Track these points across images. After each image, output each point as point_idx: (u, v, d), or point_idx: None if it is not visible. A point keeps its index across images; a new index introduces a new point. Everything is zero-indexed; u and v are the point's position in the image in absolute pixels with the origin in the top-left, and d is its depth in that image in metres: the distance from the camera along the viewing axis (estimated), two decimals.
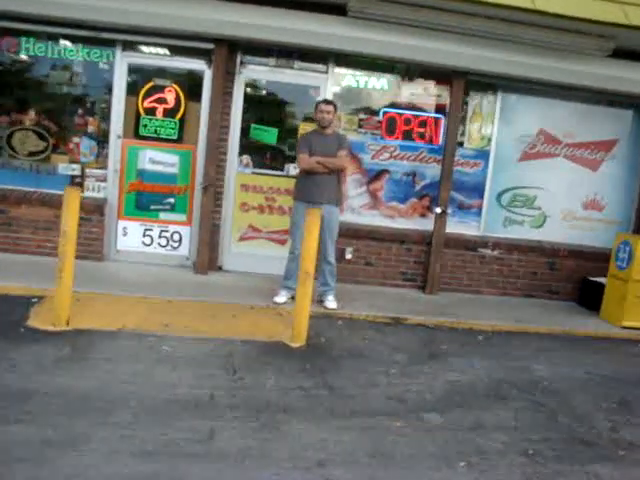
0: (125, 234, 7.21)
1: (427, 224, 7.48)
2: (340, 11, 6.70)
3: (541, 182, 7.74)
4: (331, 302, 6.35)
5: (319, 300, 6.41)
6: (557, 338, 6.46)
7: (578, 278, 7.70)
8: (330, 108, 6.20)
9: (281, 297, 6.30)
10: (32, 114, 7.11)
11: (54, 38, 7.02)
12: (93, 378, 4.37)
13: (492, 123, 7.56)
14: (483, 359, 5.55)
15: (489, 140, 7.58)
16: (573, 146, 7.75)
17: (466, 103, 7.51)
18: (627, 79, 7.15)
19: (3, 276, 6.22)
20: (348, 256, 7.33)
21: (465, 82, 7.27)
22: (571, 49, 6.83)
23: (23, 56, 7.07)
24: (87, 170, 7.16)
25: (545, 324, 6.71)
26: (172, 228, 7.26)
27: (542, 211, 7.81)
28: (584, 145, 7.77)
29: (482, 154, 7.60)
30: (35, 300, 5.76)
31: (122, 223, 7.22)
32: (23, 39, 6.99)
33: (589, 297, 7.47)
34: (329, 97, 7.15)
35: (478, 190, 7.63)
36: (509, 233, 7.76)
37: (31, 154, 7.12)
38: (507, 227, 7.78)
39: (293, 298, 6.36)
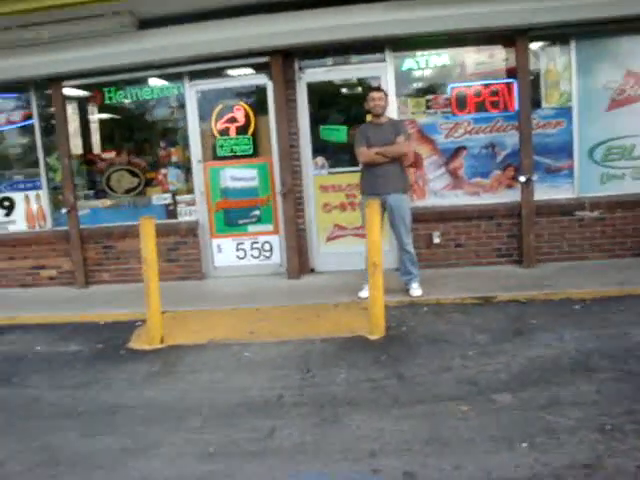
0: (220, 251, 7.62)
1: (515, 195, 7.12)
2: None
3: (638, 129, 7.06)
4: (415, 290, 6.27)
5: (405, 289, 6.37)
6: None
7: None
8: (381, 95, 6.13)
9: (365, 292, 6.27)
10: (123, 155, 7.78)
11: (131, 83, 7.63)
12: (175, 390, 4.68)
13: (569, 77, 7.04)
14: (575, 330, 5.19)
15: (569, 95, 7.06)
16: None
17: (537, 61, 7.07)
18: None
19: (114, 304, 6.84)
20: (436, 240, 7.18)
21: (529, 39, 6.87)
22: None
23: (108, 105, 7.76)
24: (177, 197, 7.68)
25: None
26: (262, 239, 7.56)
27: None
28: None
29: (564, 111, 7.10)
30: (139, 324, 6.26)
31: (215, 241, 7.64)
32: (105, 90, 7.69)
33: None
34: (391, 84, 7.10)
35: (566, 150, 7.13)
36: (609, 190, 7.15)
37: (127, 191, 7.78)
38: (606, 184, 7.17)
39: None
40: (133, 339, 5.89)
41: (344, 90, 7.38)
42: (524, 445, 3.47)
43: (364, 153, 6.09)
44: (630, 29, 6.97)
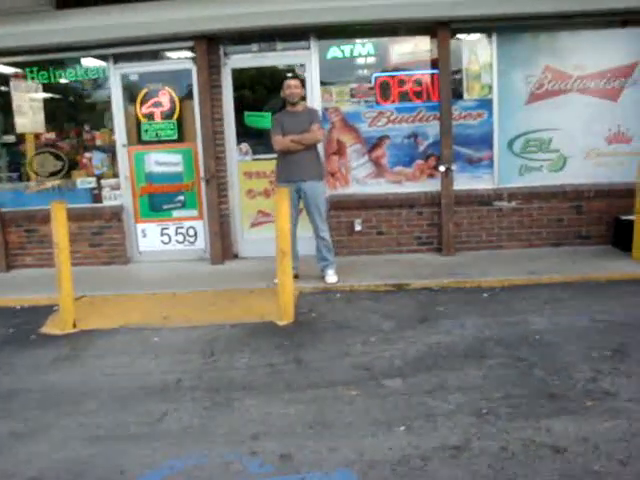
0: (145, 236, 7.58)
1: (437, 184, 7.23)
2: None
3: (555, 122, 7.25)
4: (331, 276, 6.35)
5: (322, 276, 6.45)
6: (573, 286, 6.06)
7: (610, 219, 7.17)
8: (297, 83, 6.18)
9: None
10: (47, 137, 7.65)
11: (54, 64, 7.48)
12: (78, 374, 4.67)
13: (490, 69, 7.17)
14: (479, 317, 5.32)
15: (490, 88, 7.20)
16: (586, 78, 7.19)
17: (460, 53, 7.19)
18: None
19: (34, 289, 6.76)
20: (358, 228, 7.27)
21: (451, 32, 6.98)
22: None
23: (31, 85, 7.61)
24: (102, 181, 7.60)
25: (564, 273, 6.31)
26: (186, 224, 7.54)
27: (561, 153, 7.31)
28: (598, 75, 7.19)
29: (485, 103, 7.24)
30: (56, 309, 6.18)
31: (140, 226, 7.60)
32: (27, 70, 7.54)
33: (622, 238, 6.91)
34: (315, 72, 7.16)
35: (486, 141, 7.28)
36: (526, 181, 7.34)
37: (51, 174, 7.65)
38: (524, 175, 7.35)
39: (297, 277, 6.48)
40: (47, 324, 5.84)
41: (269, 76, 7.36)
42: (402, 428, 3.58)
43: (278, 141, 6.13)
44: (549, 26, 7.13)
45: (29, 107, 7.66)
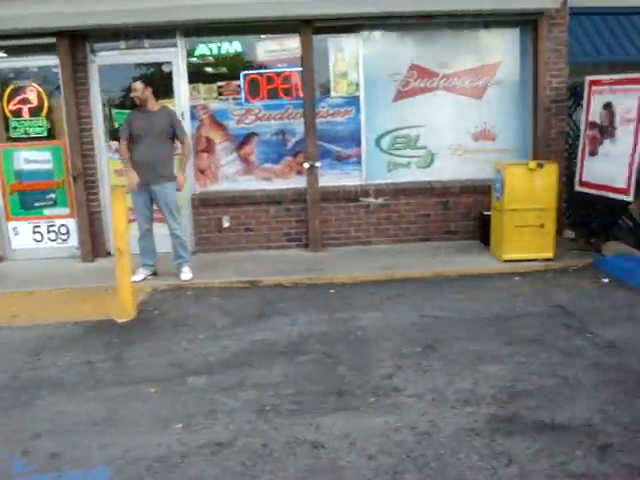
0: (17, 234, 7.49)
1: (305, 181, 7.30)
2: None
3: (422, 120, 7.40)
4: (186, 274, 6.39)
5: (178, 273, 6.50)
6: (424, 281, 6.22)
7: (476, 214, 7.33)
8: (136, 86, 6.17)
9: (138, 275, 6.35)
10: None
11: None
12: None
13: (357, 67, 7.26)
14: (315, 314, 5.43)
15: (357, 85, 7.30)
16: (451, 76, 7.36)
17: (327, 50, 7.27)
18: None
19: None
20: (226, 224, 7.30)
21: (315, 29, 7.04)
22: None
23: None
24: None
25: (420, 268, 6.47)
26: (58, 222, 7.48)
27: (428, 150, 7.47)
28: (463, 73, 7.36)
29: (352, 100, 7.34)
30: None
31: (11, 224, 7.49)
32: None
33: (486, 233, 7.08)
34: (183, 70, 7.18)
35: (354, 138, 7.38)
36: (395, 178, 7.46)
37: None
38: (392, 172, 7.48)
39: (155, 274, 6.52)
40: None
41: (137, 74, 7.26)
42: (179, 425, 3.64)
43: (119, 148, 6.28)
44: (414, 25, 7.24)
45: None
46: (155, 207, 6.38)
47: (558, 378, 4.00)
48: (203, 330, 5.18)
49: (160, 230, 6.61)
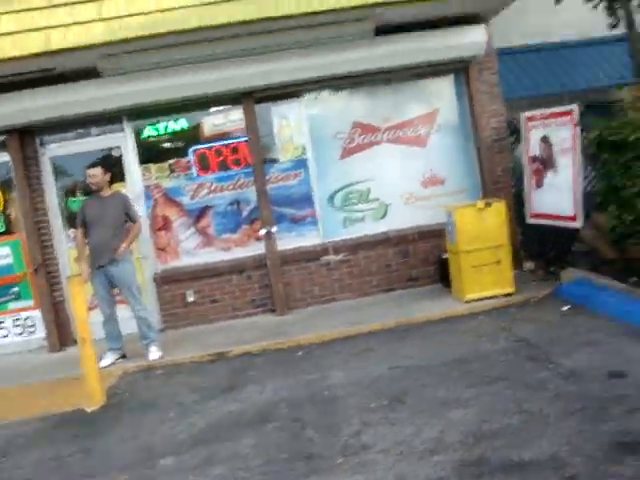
0: None
1: (264, 247, 7.41)
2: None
3: (371, 173, 7.61)
4: (154, 353, 6.38)
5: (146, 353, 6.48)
6: (389, 332, 6.26)
7: (435, 259, 7.47)
8: (95, 172, 6.30)
9: (106, 360, 6.34)
10: None
11: None
12: None
13: (301, 130, 7.50)
14: (284, 378, 5.42)
15: (304, 147, 7.52)
16: (394, 128, 7.61)
17: (271, 118, 7.51)
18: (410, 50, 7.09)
19: None
20: (190, 299, 7.35)
21: (255, 100, 7.28)
22: (338, 38, 6.78)
23: None
24: None
25: (385, 319, 6.52)
26: (24, 314, 7.46)
27: (381, 201, 7.65)
28: (405, 124, 7.63)
29: (300, 163, 7.54)
30: None
31: None
32: None
33: (446, 275, 7.20)
34: (132, 152, 7.33)
35: (307, 199, 7.55)
36: (352, 233, 7.61)
37: None
38: (348, 227, 7.64)
39: (124, 357, 6.49)
40: None
41: (88, 161, 7.38)
42: None
43: (76, 237, 6.40)
44: (353, 84, 7.54)
45: None
46: (116, 290, 6.42)
47: (523, 414, 4.04)
48: (172, 409, 5.15)
49: (125, 312, 6.63)
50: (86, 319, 5.42)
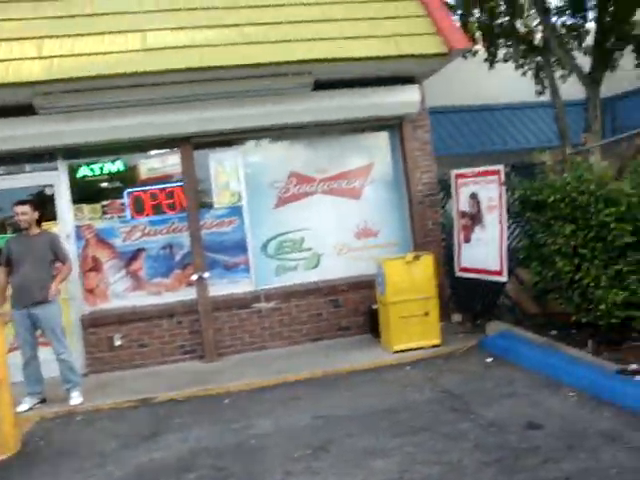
0: None
1: (195, 292, 7.36)
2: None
3: (305, 223, 7.72)
4: (75, 398, 6.16)
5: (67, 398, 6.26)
6: (315, 382, 6.27)
7: (366, 309, 7.57)
8: (23, 209, 6.16)
9: (24, 405, 6.06)
10: None
11: None
12: None
13: (238, 177, 7.58)
14: (209, 427, 5.33)
15: (239, 195, 7.58)
16: (329, 180, 7.79)
17: (208, 164, 7.56)
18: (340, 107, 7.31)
19: None
20: (118, 343, 7.18)
21: (193, 145, 7.34)
22: (277, 90, 6.95)
23: None
24: None
25: (312, 368, 6.53)
26: None
27: (314, 251, 7.75)
28: (340, 176, 7.81)
29: (235, 210, 7.58)
30: None
31: None
32: None
33: (376, 326, 7.29)
34: (65, 191, 7.22)
35: (241, 247, 7.57)
36: (284, 281, 7.66)
37: None
38: (281, 275, 7.69)
39: (44, 401, 6.25)
40: None
41: (19, 198, 7.23)
42: None
43: None
44: (290, 134, 7.71)
45: None
46: (39, 332, 6.22)
47: (443, 465, 4.11)
48: (90, 457, 4.96)
49: (47, 354, 6.40)
50: (4, 360, 5.22)
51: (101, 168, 7.39)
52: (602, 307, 5.72)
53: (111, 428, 5.63)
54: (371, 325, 7.47)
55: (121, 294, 7.40)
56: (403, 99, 7.52)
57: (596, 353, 5.78)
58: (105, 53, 6.56)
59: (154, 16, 7.01)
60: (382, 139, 8.03)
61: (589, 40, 11.65)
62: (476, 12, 12.40)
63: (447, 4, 10.58)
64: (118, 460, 4.85)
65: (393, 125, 7.89)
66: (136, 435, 5.36)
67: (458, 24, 11.16)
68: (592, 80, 10.95)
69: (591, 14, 11.90)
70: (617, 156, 6.79)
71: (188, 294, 7.40)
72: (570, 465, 3.86)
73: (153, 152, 7.49)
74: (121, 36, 6.71)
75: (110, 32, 6.73)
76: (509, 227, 6.99)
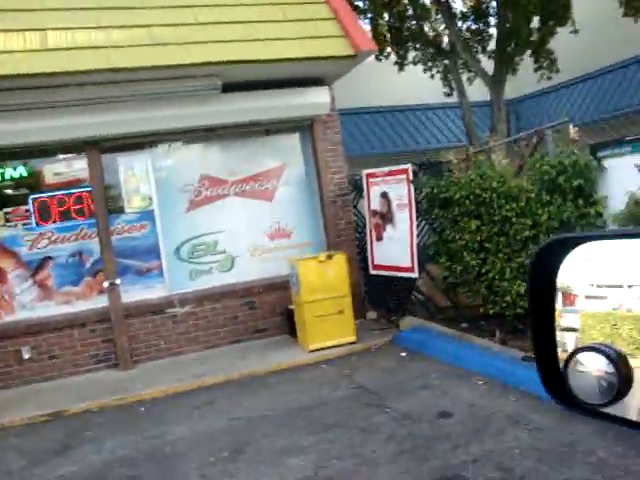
0: None
1: (107, 300, 7.19)
2: None
3: (218, 225, 7.68)
4: None
5: None
6: (233, 384, 6.27)
7: (282, 310, 7.61)
8: None
9: None
10: None
11: None
12: None
13: (149, 181, 7.46)
14: (124, 436, 5.22)
15: (150, 199, 7.47)
16: (240, 182, 7.78)
17: (117, 168, 7.40)
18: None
19: None
20: (27, 355, 6.91)
21: (100, 150, 7.17)
22: (186, 93, 6.87)
23: None
24: None
25: (229, 371, 6.53)
26: None
27: (228, 253, 7.73)
28: (251, 179, 7.83)
29: (146, 214, 7.46)
30: None
31: None
32: None
33: (293, 326, 7.35)
34: None
35: (153, 251, 7.46)
36: (198, 285, 7.60)
37: None
38: (195, 279, 7.62)
39: None
40: None
41: None
42: None
43: None
44: (200, 137, 7.66)
45: None
46: None
47: (357, 458, 4.20)
48: None
49: None
50: None
51: (2, 174, 7.10)
52: (507, 299, 5.99)
53: (20, 445, 5.41)
54: (289, 326, 7.51)
55: (28, 305, 7.11)
56: (313, 101, 7.61)
57: (503, 342, 6.04)
58: (9, 52, 6.29)
59: (57, 14, 6.77)
60: (293, 140, 8.10)
61: (492, 45, 12.13)
62: (386, 16, 12.67)
63: (356, 8, 10.82)
64: (26, 478, 4.69)
65: (304, 126, 7.97)
66: (47, 450, 5.18)
67: (368, 27, 11.42)
68: (495, 82, 11.41)
69: (493, 20, 12.41)
70: (517, 154, 7.10)
71: (100, 302, 7.21)
72: (477, 448, 4.04)
73: (59, 156, 7.26)
74: (20, 35, 6.45)
75: (8, 30, 6.46)
76: (419, 224, 7.20)
